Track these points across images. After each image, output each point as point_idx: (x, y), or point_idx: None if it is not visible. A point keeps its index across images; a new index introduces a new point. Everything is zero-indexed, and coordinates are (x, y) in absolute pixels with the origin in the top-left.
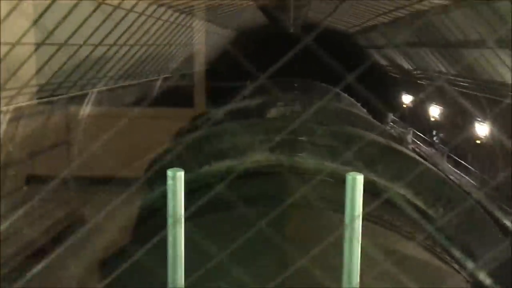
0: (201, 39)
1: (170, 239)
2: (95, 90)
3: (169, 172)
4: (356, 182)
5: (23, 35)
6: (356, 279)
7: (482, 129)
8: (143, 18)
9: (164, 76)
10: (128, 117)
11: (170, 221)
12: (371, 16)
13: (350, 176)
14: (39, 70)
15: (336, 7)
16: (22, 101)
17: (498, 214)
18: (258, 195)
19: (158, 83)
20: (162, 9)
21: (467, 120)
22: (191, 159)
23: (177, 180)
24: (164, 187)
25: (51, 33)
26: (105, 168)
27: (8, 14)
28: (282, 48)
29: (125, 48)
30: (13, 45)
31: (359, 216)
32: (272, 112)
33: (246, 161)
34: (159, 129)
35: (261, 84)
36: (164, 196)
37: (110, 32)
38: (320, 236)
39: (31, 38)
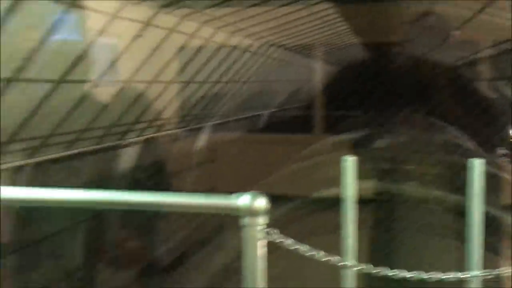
0: (307, 74)
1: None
2: (211, 123)
3: (344, 158)
4: (476, 166)
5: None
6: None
7: None
8: (256, 57)
9: (275, 109)
10: (253, 142)
11: (345, 195)
12: (478, 49)
13: (471, 160)
14: (168, 105)
15: (443, 41)
16: (151, 132)
17: None
18: (365, 221)
19: (266, 114)
20: (273, 48)
21: None
22: (302, 184)
23: (349, 163)
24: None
25: (180, 72)
26: (234, 185)
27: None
28: (385, 83)
29: (239, 84)
30: (150, 83)
31: (481, 195)
32: (379, 143)
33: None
34: (280, 153)
35: (367, 116)
36: None
37: (227, 70)
38: (429, 262)
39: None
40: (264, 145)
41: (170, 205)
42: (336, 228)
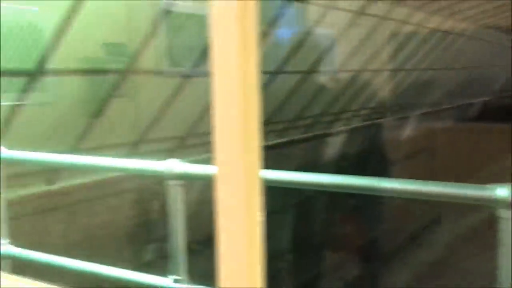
0: None
1: None
2: (422, 111)
3: None
4: None
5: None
6: None
7: None
8: (471, 41)
9: (491, 97)
10: (468, 132)
11: None
12: None
13: None
14: (378, 93)
15: None
16: (361, 121)
17: None
18: None
19: (482, 102)
20: (490, 31)
21: None
22: None
23: None
24: None
25: (392, 59)
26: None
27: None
28: None
29: (452, 71)
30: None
31: None
32: None
33: None
34: (499, 144)
35: None
36: None
37: (440, 56)
38: None
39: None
40: (481, 135)
41: (423, 193)
42: None
